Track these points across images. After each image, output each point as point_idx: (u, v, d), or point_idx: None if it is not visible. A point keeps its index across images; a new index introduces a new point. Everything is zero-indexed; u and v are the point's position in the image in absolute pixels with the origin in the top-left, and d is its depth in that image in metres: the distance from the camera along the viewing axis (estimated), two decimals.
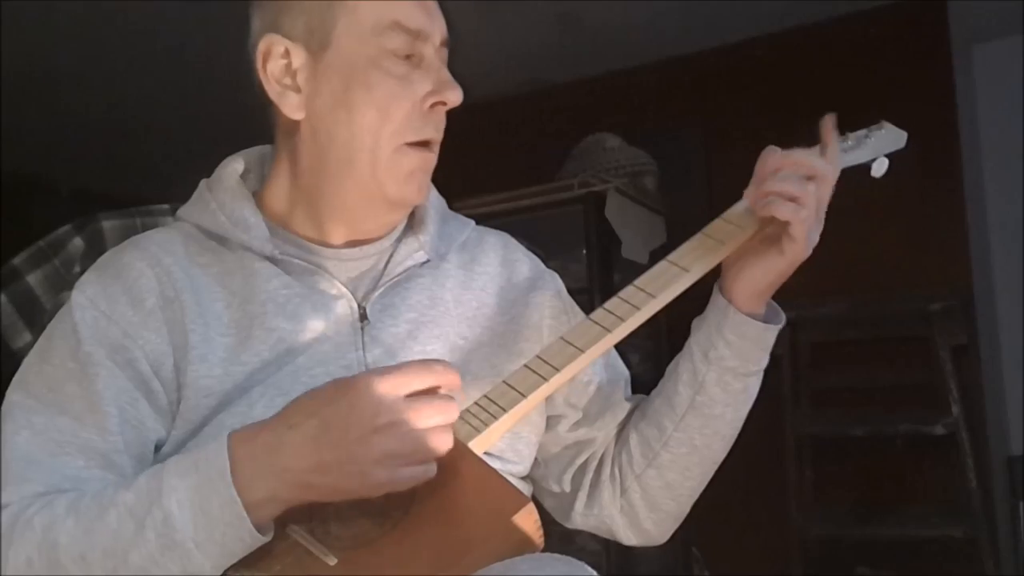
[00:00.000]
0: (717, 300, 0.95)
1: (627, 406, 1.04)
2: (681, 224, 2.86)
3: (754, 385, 0.97)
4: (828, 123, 0.94)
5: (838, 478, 2.78)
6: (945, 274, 2.73)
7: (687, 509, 1.02)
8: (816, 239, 0.90)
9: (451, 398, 0.77)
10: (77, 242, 1.18)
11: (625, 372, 1.08)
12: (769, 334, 0.94)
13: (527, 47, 3.10)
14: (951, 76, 2.81)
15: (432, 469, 0.76)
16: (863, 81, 2.87)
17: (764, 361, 0.96)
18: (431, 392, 0.76)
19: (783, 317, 0.96)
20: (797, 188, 0.88)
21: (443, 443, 0.75)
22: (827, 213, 0.92)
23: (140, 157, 3.86)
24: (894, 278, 2.77)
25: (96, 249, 1.13)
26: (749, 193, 0.94)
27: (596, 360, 1.00)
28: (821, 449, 2.77)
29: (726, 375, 0.94)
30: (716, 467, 1.00)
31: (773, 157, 0.92)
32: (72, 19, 2.80)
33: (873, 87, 2.83)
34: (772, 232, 0.90)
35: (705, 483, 1.01)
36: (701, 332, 0.96)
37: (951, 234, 2.76)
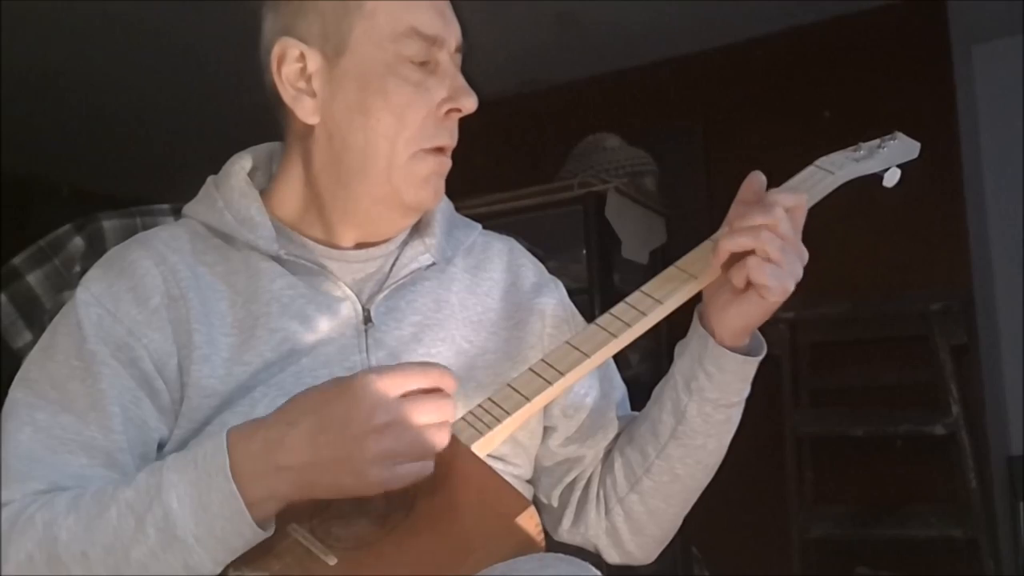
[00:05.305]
0: (697, 329, 0.93)
1: (618, 425, 1.02)
2: (681, 224, 2.89)
3: (736, 415, 0.95)
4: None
5: (838, 478, 2.78)
6: (945, 274, 2.73)
7: (671, 533, 1.01)
8: (800, 272, 0.86)
9: (448, 396, 0.77)
10: (77, 242, 1.18)
11: (622, 388, 1.06)
12: (749, 366, 0.91)
13: (527, 47, 3.10)
14: (951, 76, 2.81)
15: (429, 466, 0.76)
16: (863, 81, 2.87)
17: (745, 392, 0.93)
18: (429, 391, 0.76)
19: (764, 348, 0.93)
20: (775, 251, 0.83)
21: (440, 441, 0.76)
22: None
23: (140, 157, 3.86)
24: (894, 278, 2.77)
25: (96, 249, 1.13)
26: (732, 217, 0.89)
27: (593, 373, 0.99)
28: (821, 449, 2.77)
29: (706, 406, 0.92)
30: (699, 494, 0.99)
31: (759, 192, 0.89)
32: (72, 19, 2.79)
33: (873, 87, 2.83)
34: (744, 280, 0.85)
35: (688, 508, 0.99)
36: (684, 360, 0.94)
37: (951, 234, 2.76)
